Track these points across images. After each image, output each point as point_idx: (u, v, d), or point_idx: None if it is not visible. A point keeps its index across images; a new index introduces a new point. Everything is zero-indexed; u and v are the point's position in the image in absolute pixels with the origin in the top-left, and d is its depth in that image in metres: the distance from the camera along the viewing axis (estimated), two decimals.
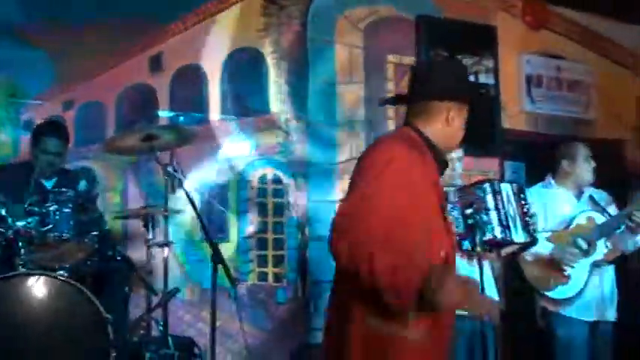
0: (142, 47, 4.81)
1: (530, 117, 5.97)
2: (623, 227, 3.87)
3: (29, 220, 3.49)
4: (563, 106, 6.11)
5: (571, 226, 3.92)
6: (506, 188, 3.53)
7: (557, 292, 3.86)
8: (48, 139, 3.95)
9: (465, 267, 3.60)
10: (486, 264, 3.73)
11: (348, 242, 2.04)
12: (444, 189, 3.49)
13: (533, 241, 3.56)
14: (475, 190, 3.51)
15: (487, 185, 3.50)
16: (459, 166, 3.82)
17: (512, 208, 3.48)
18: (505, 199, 3.49)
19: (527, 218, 3.52)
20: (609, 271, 3.98)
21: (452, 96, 2.41)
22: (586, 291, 3.84)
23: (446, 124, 2.41)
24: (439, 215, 2.32)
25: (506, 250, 3.63)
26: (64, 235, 3.56)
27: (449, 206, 3.54)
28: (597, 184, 4.14)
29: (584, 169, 4.01)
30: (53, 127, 4.08)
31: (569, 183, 4.05)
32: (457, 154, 3.81)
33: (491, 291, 3.79)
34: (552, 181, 4.09)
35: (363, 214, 2.07)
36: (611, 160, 6.05)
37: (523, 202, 3.55)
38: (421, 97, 2.43)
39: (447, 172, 3.70)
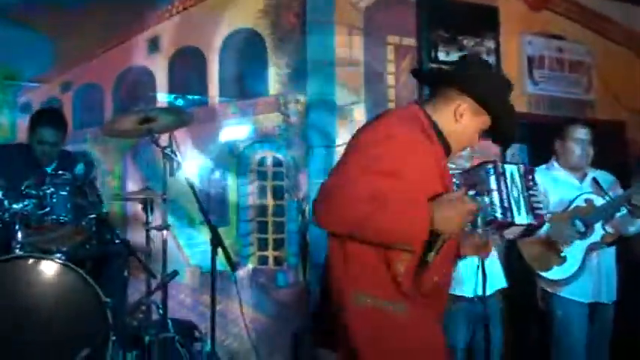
0: (140, 29, 4.77)
1: (532, 98, 5.93)
2: (624, 210, 3.84)
3: (26, 202, 3.46)
4: (565, 88, 6.08)
5: (570, 208, 3.90)
6: (511, 169, 3.49)
7: (553, 273, 3.86)
8: (44, 130, 3.92)
9: None
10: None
11: (340, 206, 2.12)
12: (453, 169, 3.50)
13: (539, 224, 3.53)
14: (479, 171, 3.49)
15: (490, 166, 3.46)
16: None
17: (516, 190, 3.45)
18: (509, 180, 3.45)
19: (532, 200, 3.49)
20: (609, 254, 3.96)
21: (470, 90, 2.34)
22: (582, 273, 3.83)
23: (454, 118, 2.35)
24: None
25: (509, 232, 3.60)
26: (61, 218, 3.53)
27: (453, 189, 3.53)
28: (596, 164, 4.11)
29: (575, 150, 3.97)
30: (49, 117, 4.05)
31: (570, 165, 4.02)
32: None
33: (498, 273, 3.81)
34: (555, 164, 4.07)
35: (354, 179, 2.15)
36: (613, 141, 6.04)
37: (531, 184, 3.52)
38: (440, 78, 2.38)
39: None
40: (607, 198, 3.89)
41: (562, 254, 3.84)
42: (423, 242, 2.16)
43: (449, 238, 2.19)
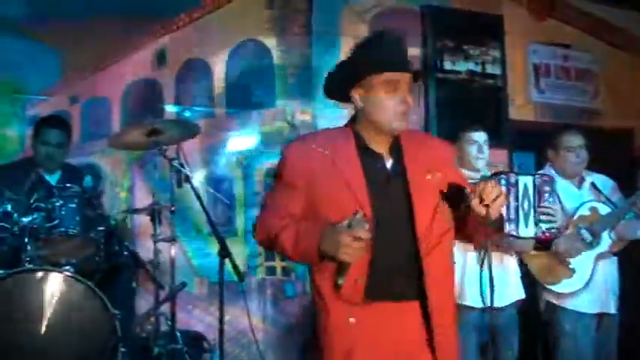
0: (147, 41, 4.80)
1: (538, 107, 5.93)
2: (630, 215, 3.78)
3: (35, 215, 3.48)
4: (571, 96, 6.08)
5: (574, 218, 3.82)
6: (525, 181, 3.45)
7: (562, 286, 3.79)
8: (48, 130, 3.95)
9: (472, 259, 3.59)
10: (509, 258, 3.70)
11: (259, 220, 2.42)
12: (469, 175, 3.47)
13: (551, 237, 3.46)
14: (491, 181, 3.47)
15: (502, 177, 3.43)
16: (486, 150, 3.79)
17: (527, 202, 3.40)
18: (521, 192, 3.41)
19: (545, 212, 3.44)
20: (613, 263, 3.91)
21: (351, 81, 2.34)
22: (591, 284, 3.77)
23: (361, 112, 2.35)
24: (344, 186, 2.28)
25: (521, 245, 3.57)
26: (70, 230, 3.55)
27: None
28: (604, 171, 4.06)
29: (569, 158, 3.87)
30: (54, 120, 4.09)
31: (566, 173, 3.93)
32: (481, 137, 3.78)
33: (516, 284, 3.75)
34: (551, 171, 3.92)
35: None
36: (620, 148, 6.04)
37: (546, 196, 3.47)
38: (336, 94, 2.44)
39: (474, 153, 3.72)
40: (609, 204, 3.85)
41: (570, 266, 3.77)
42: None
43: (350, 264, 2.19)
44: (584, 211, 3.84)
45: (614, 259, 3.91)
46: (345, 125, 2.44)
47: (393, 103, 2.30)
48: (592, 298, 3.79)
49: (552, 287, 3.81)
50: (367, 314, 2.27)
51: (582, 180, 3.95)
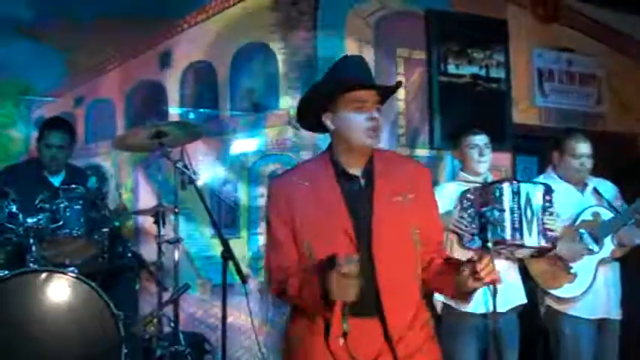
0: (152, 43, 4.81)
1: (542, 111, 5.93)
2: (631, 222, 3.76)
3: (40, 216, 3.51)
4: (575, 100, 6.08)
5: (577, 222, 3.80)
6: (527, 189, 3.45)
7: (564, 290, 3.77)
8: (51, 132, 3.99)
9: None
10: (510, 263, 3.68)
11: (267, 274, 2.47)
12: (470, 182, 3.45)
13: (551, 247, 3.48)
14: (494, 189, 3.46)
15: (506, 185, 3.43)
16: (488, 153, 3.77)
17: (530, 211, 3.40)
18: (523, 200, 3.41)
19: (547, 222, 3.44)
20: (615, 268, 3.89)
21: (319, 105, 2.39)
22: (592, 289, 3.75)
23: (334, 134, 2.40)
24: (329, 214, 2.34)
25: (520, 252, 3.57)
26: (74, 231, 3.57)
27: (465, 203, 3.51)
28: (607, 176, 4.05)
29: (574, 165, 3.85)
30: (57, 122, 4.13)
31: (569, 179, 3.90)
32: (482, 140, 3.76)
33: (517, 289, 3.73)
34: (554, 175, 3.94)
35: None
36: (623, 153, 6.03)
37: (547, 205, 3.47)
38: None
39: (476, 157, 3.72)
40: (612, 210, 3.82)
41: (572, 270, 3.75)
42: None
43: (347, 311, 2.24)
44: (587, 216, 3.82)
45: (617, 264, 3.89)
46: (324, 152, 2.49)
47: (363, 120, 2.34)
48: (593, 303, 3.77)
49: (553, 292, 3.79)
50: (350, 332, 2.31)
51: (585, 185, 3.94)
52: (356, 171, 2.41)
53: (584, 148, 3.87)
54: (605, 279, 3.82)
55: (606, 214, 3.82)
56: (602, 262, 3.79)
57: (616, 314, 3.85)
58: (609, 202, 3.87)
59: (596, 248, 3.77)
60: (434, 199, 2.55)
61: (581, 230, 3.79)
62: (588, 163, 3.88)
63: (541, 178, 3.93)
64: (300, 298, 2.32)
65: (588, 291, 3.75)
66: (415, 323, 2.38)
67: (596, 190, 3.92)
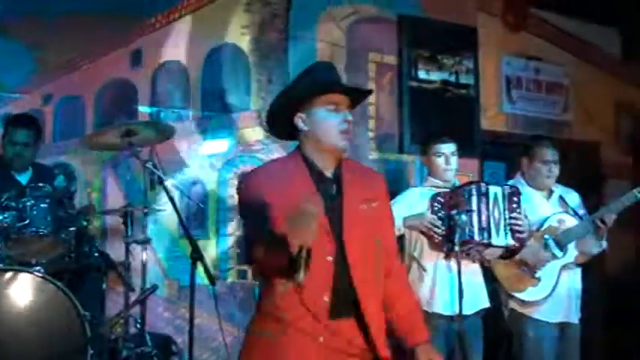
0: (123, 42, 4.78)
1: (510, 118, 6.02)
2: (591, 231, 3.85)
3: (6, 214, 3.47)
4: (542, 108, 6.18)
5: (542, 228, 3.89)
6: (495, 191, 3.53)
7: (528, 294, 3.85)
8: (16, 129, 3.95)
9: (443, 267, 3.65)
10: (475, 266, 3.74)
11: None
12: (439, 187, 3.50)
13: (519, 247, 3.56)
14: (462, 191, 3.54)
15: (473, 187, 3.52)
16: (454, 161, 3.80)
17: (497, 211, 3.48)
18: (491, 201, 3.49)
19: (514, 222, 3.51)
20: (577, 274, 3.98)
21: (292, 106, 2.41)
22: (554, 293, 3.84)
23: (306, 135, 2.42)
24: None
25: (489, 253, 3.63)
26: (40, 230, 3.53)
27: (435, 206, 3.56)
28: (571, 183, 4.14)
29: (542, 171, 3.94)
30: (22, 118, 4.08)
31: (537, 185, 3.99)
32: (449, 148, 3.80)
33: (480, 292, 3.77)
34: (522, 180, 4.03)
35: None
36: (587, 161, 6.16)
37: (514, 206, 3.55)
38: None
39: (442, 165, 3.76)
40: (577, 217, 3.91)
41: (536, 274, 3.84)
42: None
43: (304, 255, 2.20)
44: (553, 222, 3.91)
45: (578, 269, 3.98)
46: (293, 152, 2.50)
47: (336, 122, 2.38)
48: (555, 307, 3.86)
49: (518, 295, 3.87)
50: (328, 333, 2.34)
51: (551, 192, 4.03)
52: (328, 174, 2.44)
53: (551, 155, 3.97)
54: (568, 283, 3.91)
55: (571, 221, 3.91)
56: (565, 267, 3.88)
57: (575, 318, 3.94)
58: (574, 209, 3.96)
59: (559, 254, 3.86)
60: (390, 207, 2.62)
61: (546, 236, 3.87)
62: (556, 170, 3.97)
63: (510, 183, 3.99)
64: (266, 256, 2.28)
65: (551, 295, 3.84)
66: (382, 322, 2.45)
67: (561, 198, 4.01)
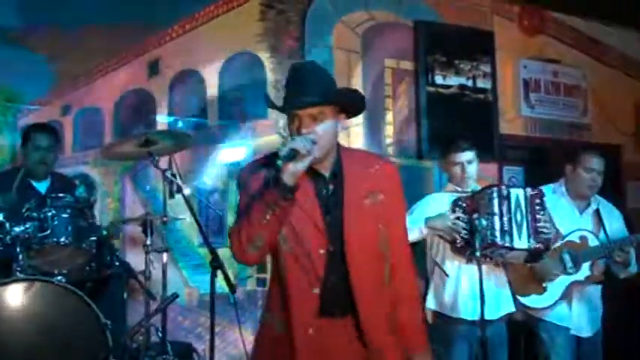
0: (141, 52, 4.80)
1: (528, 121, 5.99)
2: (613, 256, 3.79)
3: (27, 225, 3.47)
4: (560, 111, 6.14)
5: (562, 242, 3.83)
6: (516, 193, 3.49)
7: (530, 300, 3.81)
8: (37, 134, 3.98)
9: (465, 272, 3.61)
10: (500, 271, 3.69)
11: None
12: (459, 192, 3.47)
13: (543, 249, 3.51)
14: (483, 195, 3.51)
15: (494, 190, 3.48)
16: (472, 169, 3.77)
17: (520, 214, 3.44)
18: (513, 204, 3.45)
19: (537, 225, 3.46)
20: (594, 290, 3.91)
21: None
22: (558, 306, 3.79)
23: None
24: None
25: (512, 257, 3.59)
26: (61, 240, 3.54)
27: (457, 210, 3.53)
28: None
29: (585, 180, 3.87)
30: (42, 125, 4.12)
31: (577, 193, 3.93)
32: (467, 156, 3.77)
33: (506, 297, 3.74)
34: (563, 188, 3.97)
35: None
36: (608, 164, 6.08)
37: (537, 208, 3.50)
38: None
39: (461, 174, 3.73)
40: (602, 237, 3.83)
41: (543, 284, 3.79)
42: None
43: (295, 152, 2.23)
44: (574, 238, 3.85)
45: (598, 287, 3.92)
46: None
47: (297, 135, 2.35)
48: (567, 316, 3.82)
49: (520, 298, 3.82)
50: (320, 328, 2.34)
51: (588, 205, 3.96)
52: (322, 170, 2.41)
53: (596, 163, 3.90)
54: (580, 299, 3.85)
55: (593, 241, 3.84)
56: (575, 283, 3.82)
57: (586, 333, 3.88)
58: (604, 228, 3.88)
59: (572, 271, 3.80)
60: (402, 198, 2.57)
61: (564, 250, 3.81)
62: (599, 180, 3.91)
63: (550, 187, 3.96)
64: (255, 214, 2.29)
65: (554, 307, 3.79)
66: (389, 324, 2.43)
67: (597, 213, 3.94)
